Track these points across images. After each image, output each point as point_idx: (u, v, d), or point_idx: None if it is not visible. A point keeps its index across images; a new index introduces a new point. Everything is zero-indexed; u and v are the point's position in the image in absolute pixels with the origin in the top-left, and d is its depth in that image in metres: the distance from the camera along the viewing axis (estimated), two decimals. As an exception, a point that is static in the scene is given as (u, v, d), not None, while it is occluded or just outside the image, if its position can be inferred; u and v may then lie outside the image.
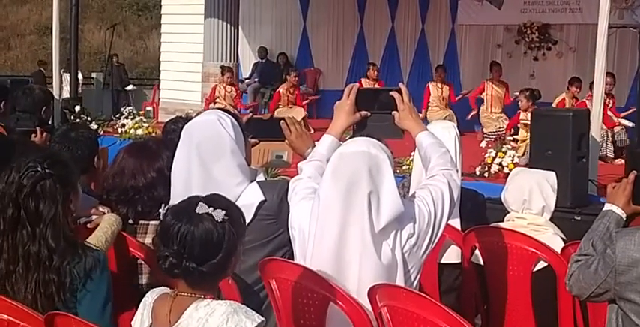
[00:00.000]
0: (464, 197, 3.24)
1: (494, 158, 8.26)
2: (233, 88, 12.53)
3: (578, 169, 6.90)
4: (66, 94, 12.61)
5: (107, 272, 2.78)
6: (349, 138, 2.95)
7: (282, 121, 3.33)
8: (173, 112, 12.60)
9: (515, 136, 10.44)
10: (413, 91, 3.28)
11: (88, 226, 3.18)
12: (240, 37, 13.49)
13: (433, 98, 12.76)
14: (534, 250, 3.79)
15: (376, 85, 12.02)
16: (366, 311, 2.68)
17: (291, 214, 2.93)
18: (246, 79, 15.13)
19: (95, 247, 2.84)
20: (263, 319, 2.20)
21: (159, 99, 15.77)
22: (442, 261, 4.08)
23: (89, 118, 11.47)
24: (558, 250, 3.78)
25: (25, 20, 29.03)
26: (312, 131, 9.79)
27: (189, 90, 14.11)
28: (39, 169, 2.72)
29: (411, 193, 3.20)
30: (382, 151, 2.75)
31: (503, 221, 4.07)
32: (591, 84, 9.39)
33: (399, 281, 2.71)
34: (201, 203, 2.24)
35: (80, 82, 14.63)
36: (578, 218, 6.48)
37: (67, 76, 13.07)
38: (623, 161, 8.95)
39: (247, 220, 2.59)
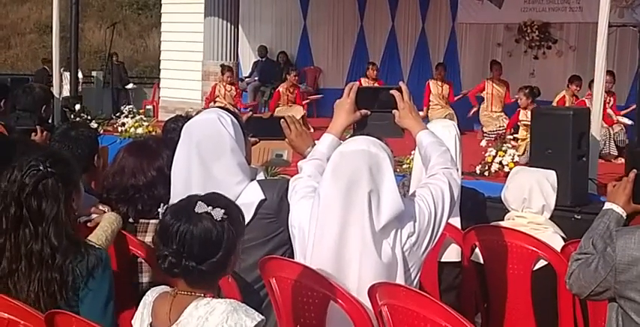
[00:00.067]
0: (464, 196, 3.24)
1: (494, 157, 8.25)
2: (233, 87, 12.54)
3: (579, 168, 6.90)
4: (66, 92, 12.61)
5: (109, 271, 2.78)
6: (349, 137, 2.95)
7: (282, 120, 3.33)
8: (173, 111, 12.60)
9: (515, 135, 10.44)
10: (413, 90, 3.28)
11: (88, 224, 3.18)
12: (241, 35, 13.49)
13: (434, 96, 12.77)
14: (534, 248, 3.79)
15: (375, 85, 12.01)
16: (366, 310, 2.68)
17: (291, 213, 2.93)
18: (246, 77, 15.12)
19: (97, 246, 2.84)
20: (263, 317, 2.20)
21: (159, 98, 15.77)
22: (442, 260, 4.09)
23: (89, 117, 11.46)
24: (558, 248, 3.78)
25: (25, 19, 29.04)
26: (312, 130, 9.79)
27: (190, 89, 14.10)
28: (41, 167, 2.72)
29: (411, 191, 3.20)
30: (382, 150, 2.75)
31: (503, 220, 4.06)
32: (591, 82, 9.40)
33: (399, 280, 2.71)
34: (200, 202, 2.24)
35: (80, 80, 14.65)
36: (579, 217, 6.47)
37: (67, 74, 13.06)
38: (623, 160, 8.95)
39: (247, 219, 2.59)
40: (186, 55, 14.61)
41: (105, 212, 3.25)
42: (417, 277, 2.83)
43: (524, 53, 13.49)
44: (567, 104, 10.68)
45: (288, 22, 15.69)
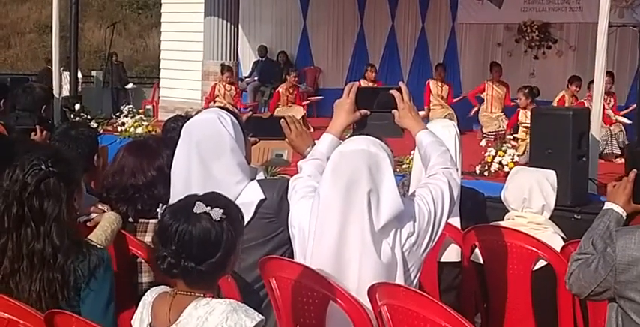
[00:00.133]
0: (464, 196, 3.24)
1: (494, 157, 8.26)
2: (233, 87, 12.53)
3: (578, 168, 6.90)
4: (66, 92, 12.62)
5: (111, 271, 2.78)
6: (349, 137, 2.95)
7: (282, 120, 3.33)
8: (173, 111, 12.61)
9: (515, 135, 10.44)
10: (413, 90, 3.28)
11: (88, 224, 3.18)
12: (240, 35, 13.49)
13: (434, 96, 12.77)
14: (534, 248, 3.79)
15: (375, 85, 12.01)
16: (366, 310, 2.68)
17: (291, 213, 2.93)
18: (246, 77, 15.12)
19: (99, 246, 2.84)
20: (262, 317, 2.20)
21: (159, 97, 15.76)
22: (442, 259, 4.08)
23: (89, 117, 11.45)
24: (558, 248, 3.78)
25: (25, 18, 29.02)
26: (312, 130, 9.78)
27: (189, 88, 14.10)
28: (43, 167, 2.72)
29: (410, 191, 3.20)
30: (382, 150, 2.75)
31: (503, 220, 4.06)
32: (590, 83, 9.40)
33: (399, 280, 2.71)
34: (198, 202, 2.24)
35: (80, 80, 14.64)
36: (578, 217, 6.48)
37: (66, 74, 13.07)
38: (623, 160, 8.95)
39: (247, 219, 2.59)
40: (186, 54, 14.60)
41: (105, 212, 3.25)
42: (417, 277, 2.83)
43: (524, 53, 13.50)
44: (567, 104, 10.68)
45: (288, 22, 15.69)
